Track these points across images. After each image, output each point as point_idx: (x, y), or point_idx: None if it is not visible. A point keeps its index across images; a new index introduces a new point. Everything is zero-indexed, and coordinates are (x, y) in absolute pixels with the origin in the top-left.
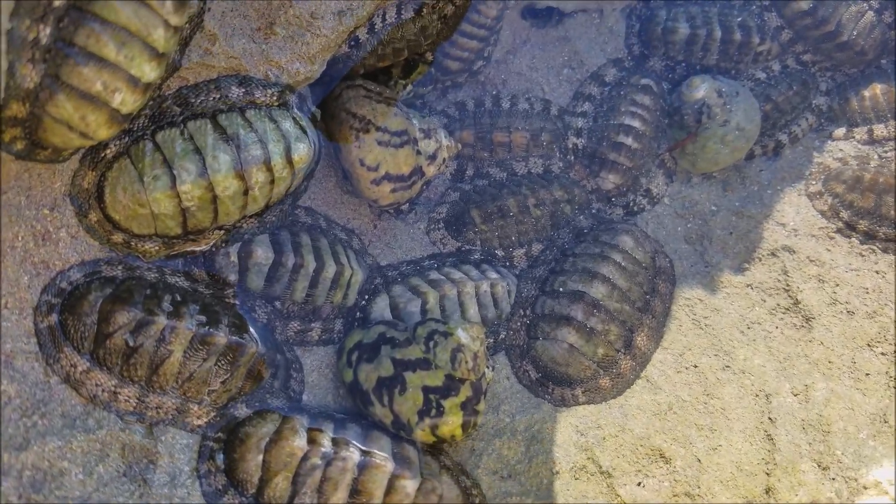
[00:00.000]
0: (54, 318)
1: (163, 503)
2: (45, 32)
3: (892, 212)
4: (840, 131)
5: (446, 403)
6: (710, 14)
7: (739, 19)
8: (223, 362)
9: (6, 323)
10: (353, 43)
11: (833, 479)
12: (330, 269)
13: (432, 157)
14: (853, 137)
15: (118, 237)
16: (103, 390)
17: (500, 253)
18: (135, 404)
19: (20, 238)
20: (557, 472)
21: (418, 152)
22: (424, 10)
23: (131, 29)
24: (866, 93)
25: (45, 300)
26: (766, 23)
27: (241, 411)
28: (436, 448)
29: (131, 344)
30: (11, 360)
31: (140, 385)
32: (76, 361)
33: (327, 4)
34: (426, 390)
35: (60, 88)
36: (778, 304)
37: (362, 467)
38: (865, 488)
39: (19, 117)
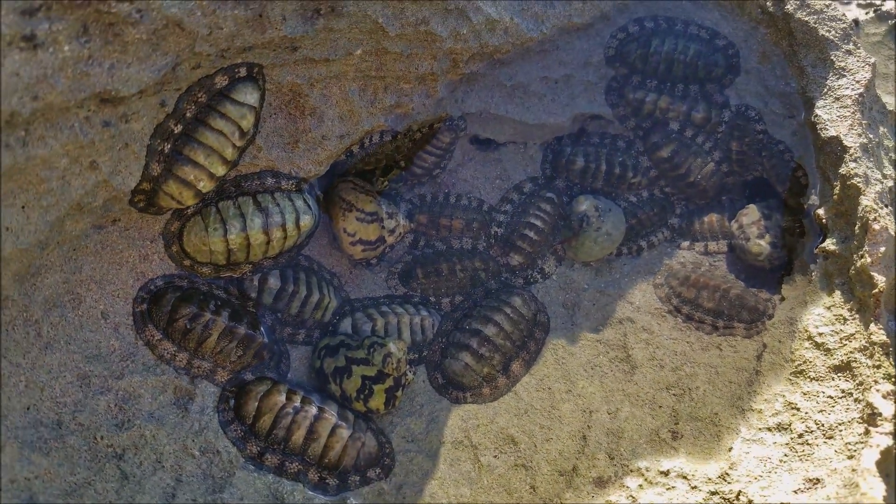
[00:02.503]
0: (144, 306)
1: (195, 423)
2: (167, 146)
3: (705, 303)
4: (685, 244)
5: (376, 388)
6: (600, 153)
7: (620, 159)
8: (241, 345)
9: (117, 306)
10: (348, 154)
11: (615, 465)
12: (315, 297)
13: (392, 231)
14: (693, 249)
15: (187, 262)
16: (168, 353)
17: (433, 299)
18: (185, 364)
19: (131, 256)
20: (443, 442)
21: (383, 227)
22: (399, 136)
23: (214, 147)
24: (706, 219)
25: (140, 295)
26: (640, 163)
27: (248, 376)
28: (366, 416)
29: (188, 327)
30: (118, 328)
31: (189, 352)
32: (154, 334)
33: (333, 130)
34: (364, 378)
35: (171, 176)
36: (616, 356)
37: (317, 418)
38: (631, 471)
39: (146, 190)
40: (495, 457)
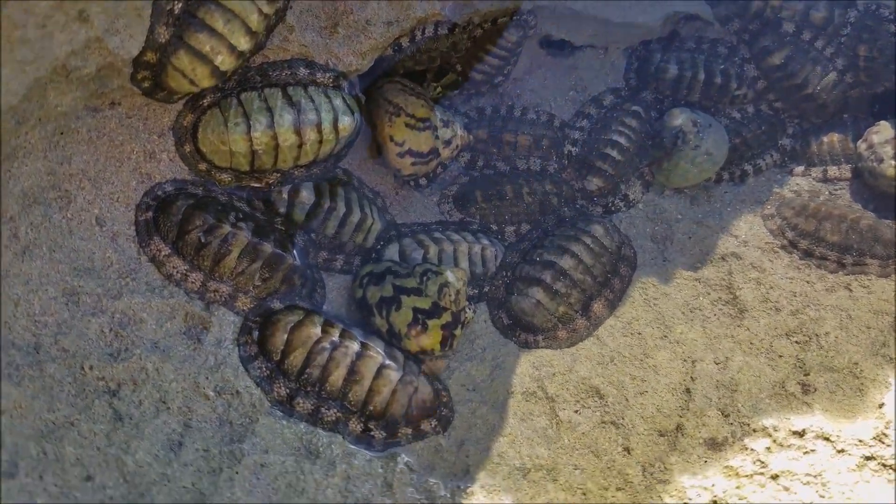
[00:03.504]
0: (150, 214)
1: (210, 357)
2: (178, 6)
3: (829, 236)
4: (799, 169)
5: (430, 323)
6: (697, 60)
7: (722, 67)
8: (267, 266)
9: (116, 212)
10: (396, 48)
11: (731, 423)
12: (356, 216)
13: (447, 143)
14: (809, 175)
15: (203, 166)
16: (178, 272)
17: (494, 227)
18: (198, 286)
19: (135, 152)
20: (512, 393)
21: (437, 137)
22: (457, 30)
23: (235, 11)
24: (825, 139)
25: (145, 201)
26: (745, 72)
27: (276, 305)
28: (418, 358)
29: (202, 241)
30: (116, 238)
31: (204, 272)
32: (161, 248)
33: (380, 15)
34: (416, 310)
35: (182, 46)
36: (719, 297)
37: (359, 355)
38: (754, 431)
39: (150, 62)
40: (577, 412)
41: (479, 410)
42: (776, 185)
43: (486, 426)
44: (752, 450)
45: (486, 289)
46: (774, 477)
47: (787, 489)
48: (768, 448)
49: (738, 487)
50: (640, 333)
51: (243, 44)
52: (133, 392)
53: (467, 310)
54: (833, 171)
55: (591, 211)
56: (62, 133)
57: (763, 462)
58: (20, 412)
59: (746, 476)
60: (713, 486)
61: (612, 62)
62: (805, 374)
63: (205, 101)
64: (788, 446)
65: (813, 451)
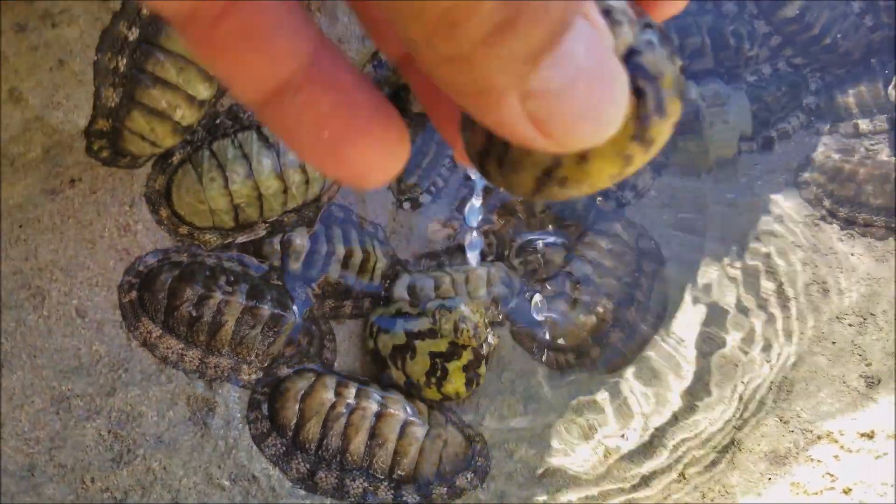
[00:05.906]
0: (134, 294)
1: (220, 443)
2: (122, 62)
3: (871, 199)
4: (827, 127)
5: (450, 366)
6: (700, 23)
7: (731, 27)
8: (267, 330)
9: (97, 298)
10: (376, 63)
11: (791, 430)
12: (357, 256)
13: None
14: (838, 132)
15: (184, 229)
16: (173, 352)
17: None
18: (197, 364)
19: (107, 229)
20: (550, 426)
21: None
22: None
23: (187, 56)
24: (851, 91)
25: (126, 280)
26: (756, 30)
27: (283, 371)
28: (443, 406)
29: (194, 315)
30: (101, 328)
31: (201, 348)
32: (151, 329)
33: (352, 31)
34: (433, 355)
35: (134, 106)
36: (761, 284)
37: (379, 415)
38: (818, 438)
39: (104, 130)
40: (623, 436)
41: (518, 452)
42: (806, 149)
43: (528, 469)
44: (818, 460)
45: (512, 304)
46: (847, 491)
47: None
48: (836, 456)
49: None
50: (682, 340)
51: (203, 91)
52: (142, 497)
53: (490, 338)
54: (864, 124)
55: (603, 208)
56: (21, 226)
57: (833, 475)
58: None
59: (816, 493)
60: None
61: None
62: (867, 364)
63: (174, 158)
64: (857, 451)
65: (885, 454)
